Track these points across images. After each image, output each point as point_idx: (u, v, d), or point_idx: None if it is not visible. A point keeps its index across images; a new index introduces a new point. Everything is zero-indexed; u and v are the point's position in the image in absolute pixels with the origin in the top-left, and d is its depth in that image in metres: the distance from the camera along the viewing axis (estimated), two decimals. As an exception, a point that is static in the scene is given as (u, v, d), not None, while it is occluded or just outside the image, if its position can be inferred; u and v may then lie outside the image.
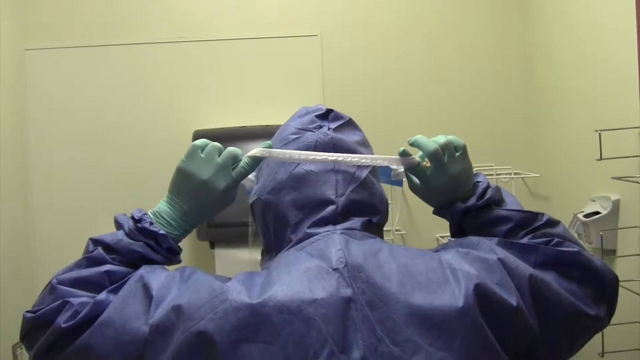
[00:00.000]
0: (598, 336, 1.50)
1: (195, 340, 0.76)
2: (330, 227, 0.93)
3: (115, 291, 0.85)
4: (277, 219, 0.97)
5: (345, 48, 2.20)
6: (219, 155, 0.99)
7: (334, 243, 0.88)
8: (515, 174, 2.16)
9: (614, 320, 0.97)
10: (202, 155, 0.99)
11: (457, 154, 1.03)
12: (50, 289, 0.87)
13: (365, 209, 0.97)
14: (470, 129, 2.21)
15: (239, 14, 2.18)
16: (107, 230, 0.96)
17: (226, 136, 1.99)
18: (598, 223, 1.64)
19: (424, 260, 0.86)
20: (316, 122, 1.02)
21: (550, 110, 2.09)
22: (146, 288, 0.83)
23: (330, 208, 0.94)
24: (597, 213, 1.66)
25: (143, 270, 0.88)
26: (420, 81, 2.22)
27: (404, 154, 1.02)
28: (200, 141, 1.01)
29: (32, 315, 0.85)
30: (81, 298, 0.85)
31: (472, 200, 1.03)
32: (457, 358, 0.76)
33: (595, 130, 1.49)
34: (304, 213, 0.95)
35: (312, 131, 1.01)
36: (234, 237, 1.91)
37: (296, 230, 0.94)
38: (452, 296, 0.80)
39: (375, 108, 2.20)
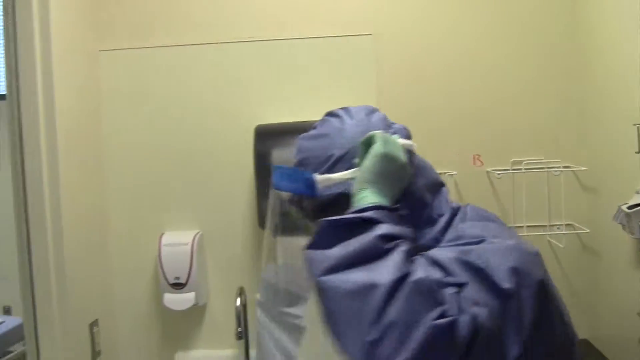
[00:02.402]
0: (636, 296, 1.52)
1: None
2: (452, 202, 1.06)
3: None
4: (417, 202, 1.03)
5: (399, 47, 2.26)
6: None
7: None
8: (564, 167, 2.20)
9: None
10: (391, 140, 0.99)
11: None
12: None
13: None
14: (522, 124, 2.26)
15: (298, 14, 2.27)
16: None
17: (286, 130, 2.10)
18: (640, 214, 1.67)
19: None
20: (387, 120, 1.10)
21: (597, 105, 2.12)
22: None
23: (445, 188, 1.08)
24: (642, 205, 1.70)
25: None
26: (474, 81, 2.26)
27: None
28: (381, 131, 1.01)
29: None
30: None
31: None
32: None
33: (635, 124, 1.53)
34: (432, 193, 1.05)
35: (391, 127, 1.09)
36: (294, 226, 2.02)
37: (436, 208, 1.04)
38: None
39: (429, 108, 2.25)
